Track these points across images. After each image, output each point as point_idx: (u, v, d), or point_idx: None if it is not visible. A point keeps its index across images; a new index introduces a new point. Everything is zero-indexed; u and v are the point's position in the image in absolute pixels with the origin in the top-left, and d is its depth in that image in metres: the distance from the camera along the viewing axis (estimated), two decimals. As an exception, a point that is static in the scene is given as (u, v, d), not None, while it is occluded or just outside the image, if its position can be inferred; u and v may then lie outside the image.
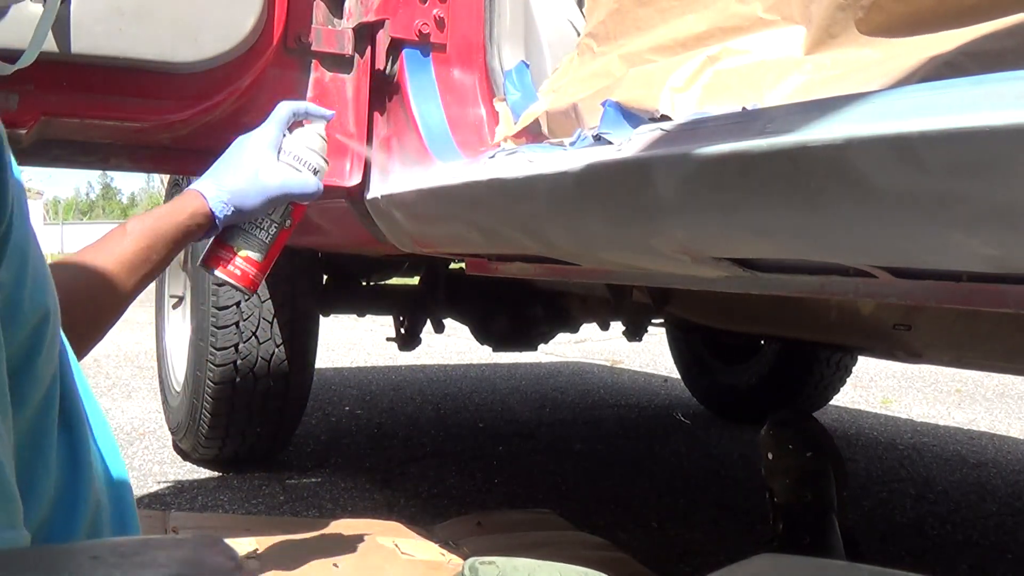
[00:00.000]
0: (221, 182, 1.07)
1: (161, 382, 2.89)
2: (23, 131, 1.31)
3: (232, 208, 1.07)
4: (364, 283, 2.75)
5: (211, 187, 1.07)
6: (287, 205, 1.15)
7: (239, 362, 2.34)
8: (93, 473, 0.60)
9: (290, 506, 2.26)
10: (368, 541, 1.66)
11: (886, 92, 0.63)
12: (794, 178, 0.69)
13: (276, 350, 2.38)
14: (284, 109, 1.16)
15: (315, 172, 1.17)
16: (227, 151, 1.13)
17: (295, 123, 1.18)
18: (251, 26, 1.34)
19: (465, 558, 1.47)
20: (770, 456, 1.65)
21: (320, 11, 1.48)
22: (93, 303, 0.97)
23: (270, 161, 1.11)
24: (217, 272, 1.14)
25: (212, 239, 1.14)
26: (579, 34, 1.41)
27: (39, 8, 1.15)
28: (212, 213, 1.07)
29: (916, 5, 0.73)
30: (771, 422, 1.70)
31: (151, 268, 1.01)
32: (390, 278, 2.84)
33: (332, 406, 3.57)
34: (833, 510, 1.60)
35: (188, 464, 2.64)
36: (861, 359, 3.42)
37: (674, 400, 3.86)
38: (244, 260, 1.13)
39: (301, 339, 2.43)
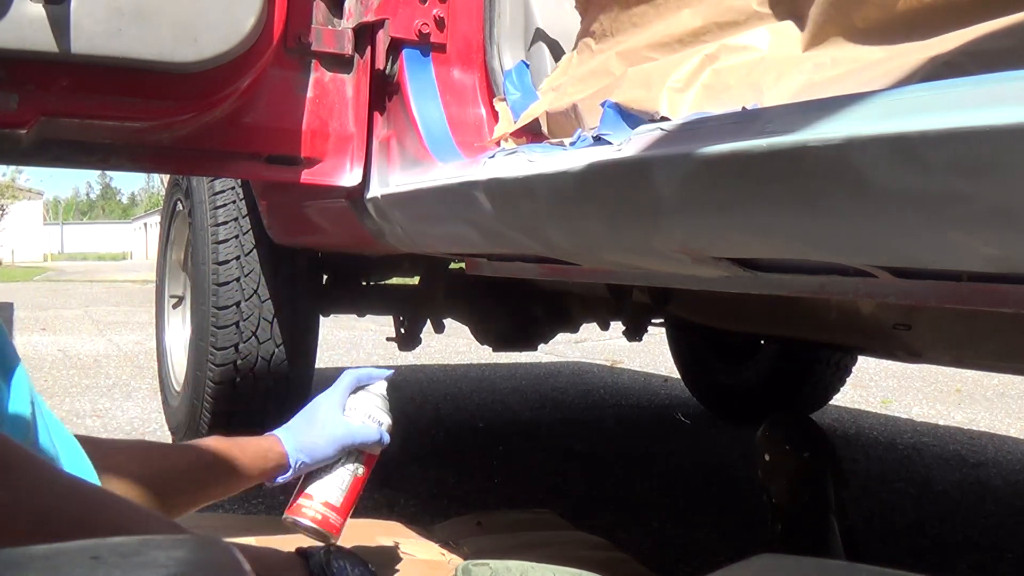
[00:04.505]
0: (297, 436, 1.25)
1: (161, 382, 2.89)
2: (23, 131, 1.31)
3: (304, 454, 1.24)
4: (364, 283, 2.75)
5: (288, 436, 1.25)
6: (358, 454, 1.28)
7: (239, 362, 2.33)
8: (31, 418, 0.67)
9: (290, 506, 2.26)
10: (368, 541, 1.66)
11: (886, 92, 0.63)
12: (794, 178, 0.69)
13: (276, 350, 2.37)
14: (348, 377, 1.32)
15: (379, 424, 1.29)
16: (301, 412, 1.29)
17: (359, 387, 1.32)
18: (251, 26, 1.34)
19: (465, 558, 1.47)
20: (767, 457, 1.64)
21: (320, 11, 1.48)
22: (176, 475, 1.12)
23: (336, 415, 1.28)
24: (299, 520, 1.26)
25: (295, 492, 1.28)
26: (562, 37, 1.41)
27: (39, 8, 1.15)
28: (286, 455, 1.23)
29: (916, 5, 0.73)
30: (767, 423, 1.69)
31: (224, 482, 1.20)
32: (390, 278, 2.84)
33: (332, 406, 3.56)
34: (831, 511, 1.59)
35: (188, 464, 2.64)
36: (861, 359, 3.41)
37: (674, 400, 3.86)
38: (323, 505, 1.26)
39: (302, 339, 2.42)
